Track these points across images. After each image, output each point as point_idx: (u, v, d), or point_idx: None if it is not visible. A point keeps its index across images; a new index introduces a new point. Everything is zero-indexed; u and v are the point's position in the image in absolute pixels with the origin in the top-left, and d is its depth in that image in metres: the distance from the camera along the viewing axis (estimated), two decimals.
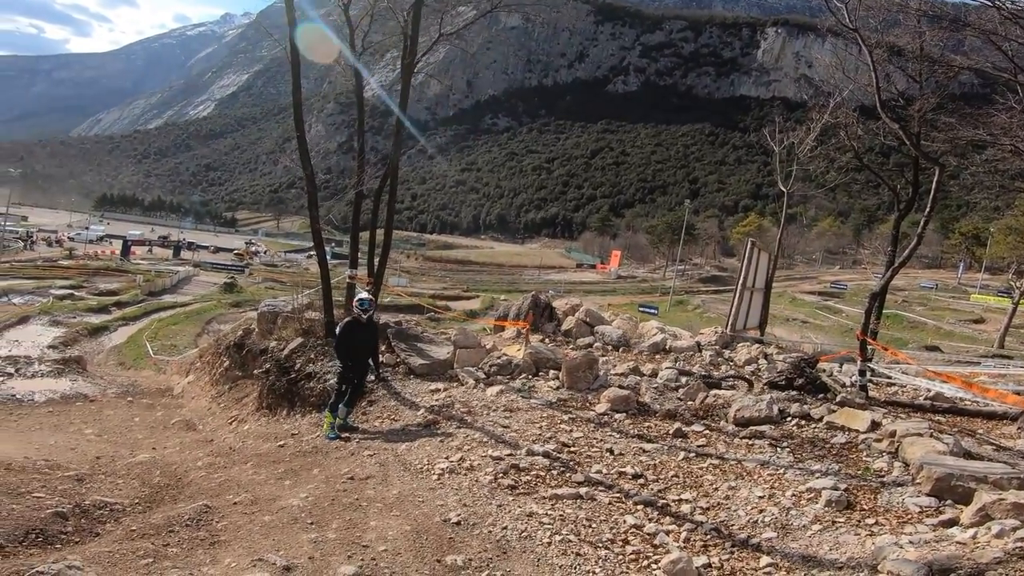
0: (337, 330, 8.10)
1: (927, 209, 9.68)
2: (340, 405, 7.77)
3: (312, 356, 10.03)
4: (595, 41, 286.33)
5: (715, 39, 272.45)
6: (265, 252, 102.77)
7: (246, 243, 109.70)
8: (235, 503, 5.75)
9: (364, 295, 8.05)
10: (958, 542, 4.31)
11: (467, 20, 14.96)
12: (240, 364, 12.20)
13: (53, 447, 8.77)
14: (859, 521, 5.02)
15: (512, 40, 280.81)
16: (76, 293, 48.35)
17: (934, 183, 9.40)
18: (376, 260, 11.53)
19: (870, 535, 4.73)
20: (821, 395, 8.35)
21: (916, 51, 10.40)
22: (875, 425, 7.05)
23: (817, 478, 5.79)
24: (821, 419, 7.47)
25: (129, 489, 6.58)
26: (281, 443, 7.77)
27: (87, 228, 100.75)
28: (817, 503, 5.31)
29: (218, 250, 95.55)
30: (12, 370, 14.06)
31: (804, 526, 5.00)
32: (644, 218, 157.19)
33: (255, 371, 10.98)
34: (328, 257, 11.90)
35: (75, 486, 6.51)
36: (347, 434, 7.49)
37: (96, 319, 40.51)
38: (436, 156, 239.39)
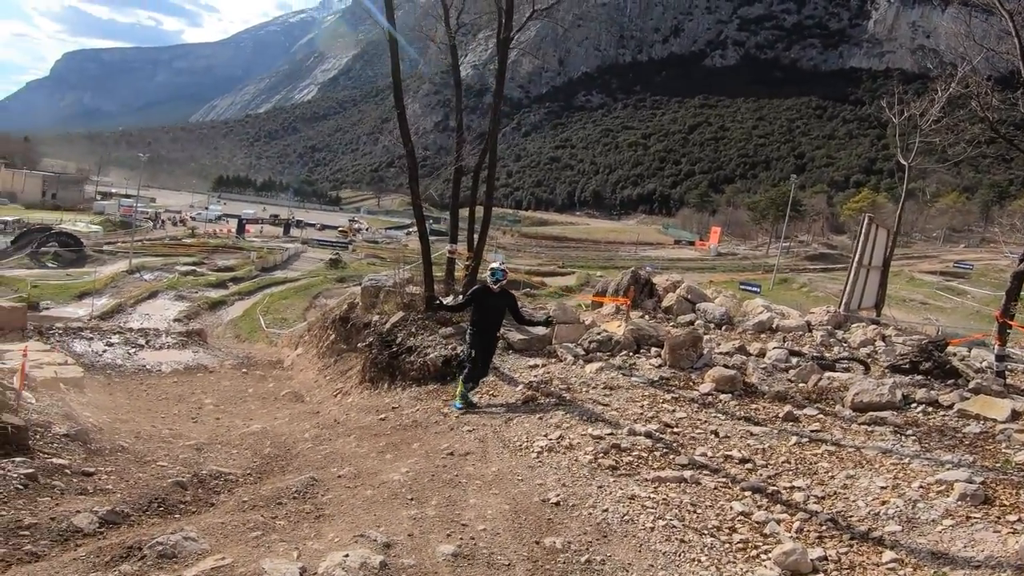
0: (466, 294, 8.12)
1: None
2: (481, 379, 7.83)
3: (413, 330, 10.19)
4: (690, 15, 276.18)
5: (820, 10, 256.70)
6: (367, 229, 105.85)
7: (349, 220, 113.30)
8: (339, 476, 5.85)
9: (496, 265, 7.95)
10: None
11: None
12: (345, 337, 12.64)
13: (177, 416, 9.40)
14: (999, 517, 4.54)
15: (604, 16, 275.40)
16: (198, 269, 51.45)
17: None
18: (475, 236, 11.60)
19: (1013, 532, 4.28)
20: (951, 381, 7.69)
21: None
22: (1016, 415, 6.42)
23: (948, 469, 5.30)
24: (951, 406, 6.87)
25: (242, 459, 6.88)
26: (383, 416, 7.92)
27: (206, 208, 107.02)
28: (949, 496, 4.85)
29: (324, 227, 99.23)
30: (143, 342, 15.01)
31: (933, 520, 4.58)
32: (745, 194, 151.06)
33: (358, 344, 11.34)
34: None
35: (194, 455, 6.87)
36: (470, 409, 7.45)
37: (215, 294, 43.14)
38: (531, 133, 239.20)
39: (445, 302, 8.90)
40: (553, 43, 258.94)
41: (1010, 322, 8.15)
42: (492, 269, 7.90)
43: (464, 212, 12.20)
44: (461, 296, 8.10)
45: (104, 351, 13.74)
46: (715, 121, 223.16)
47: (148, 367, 13.27)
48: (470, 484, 5.36)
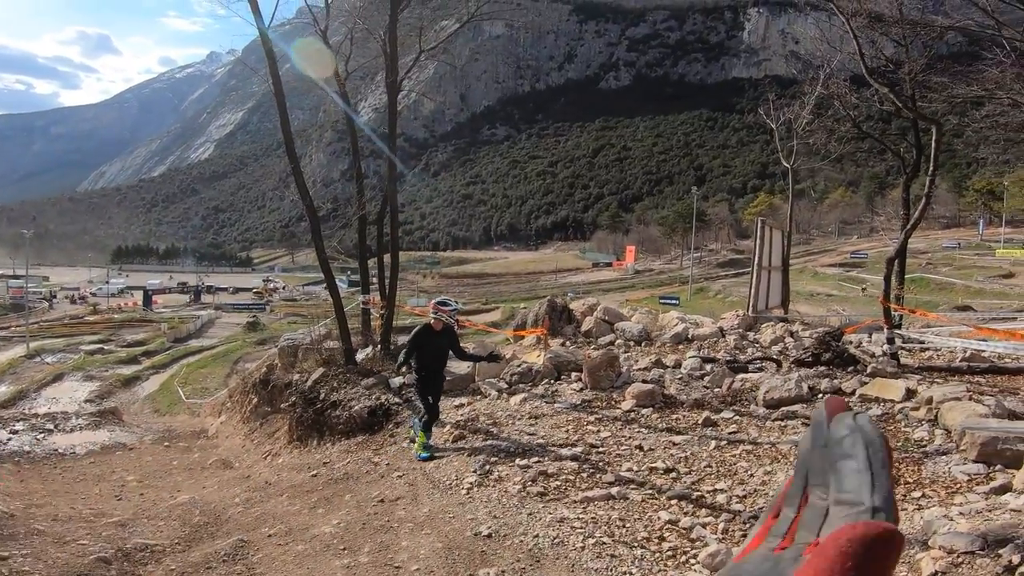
0: (411, 336, 7.63)
1: (930, 169, 9.50)
2: (434, 424, 7.42)
3: (335, 385, 10.09)
4: (581, 40, 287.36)
5: (700, 25, 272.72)
6: (284, 287, 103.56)
7: (264, 281, 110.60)
8: (270, 535, 5.78)
9: (446, 299, 7.64)
10: (1012, 509, 4.11)
11: (448, 34, 14.95)
12: (268, 400, 12.36)
13: (98, 496, 8.89)
14: (904, 495, 4.83)
15: (499, 49, 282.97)
16: (105, 347, 49.30)
17: (933, 142, 9.23)
18: (387, 283, 11.54)
19: (918, 509, 4.55)
20: (851, 368, 8.15)
21: (896, 15, 10.24)
22: (911, 393, 6.86)
23: None
24: (854, 392, 7.28)
25: (170, 530, 6.65)
26: (314, 472, 7.80)
27: (107, 282, 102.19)
28: None
29: (237, 290, 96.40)
30: (52, 426, 14.39)
31: None
32: (654, 210, 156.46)
33: (282, 405, 11.10)
34: (346, 286, 11.94)
35: (118, 531, 6.59)
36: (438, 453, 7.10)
37: (127, 370, 41.34)
38: (440, 172, 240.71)
39: (395, 368, 8.32)
40: (453, 80, 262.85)
41: (893, 305, 8.73)
42: (444, 300, 7.58)
43: (375, 261, 12.10)
44: (404, 351, 7.69)
45: (9, 439, 12.99)
46: (617, 142, 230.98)
47: (60, 451, 12.55)
48: (402, 527, 5.36)
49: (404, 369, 7.59)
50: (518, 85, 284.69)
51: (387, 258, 11.79)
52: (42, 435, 13.56)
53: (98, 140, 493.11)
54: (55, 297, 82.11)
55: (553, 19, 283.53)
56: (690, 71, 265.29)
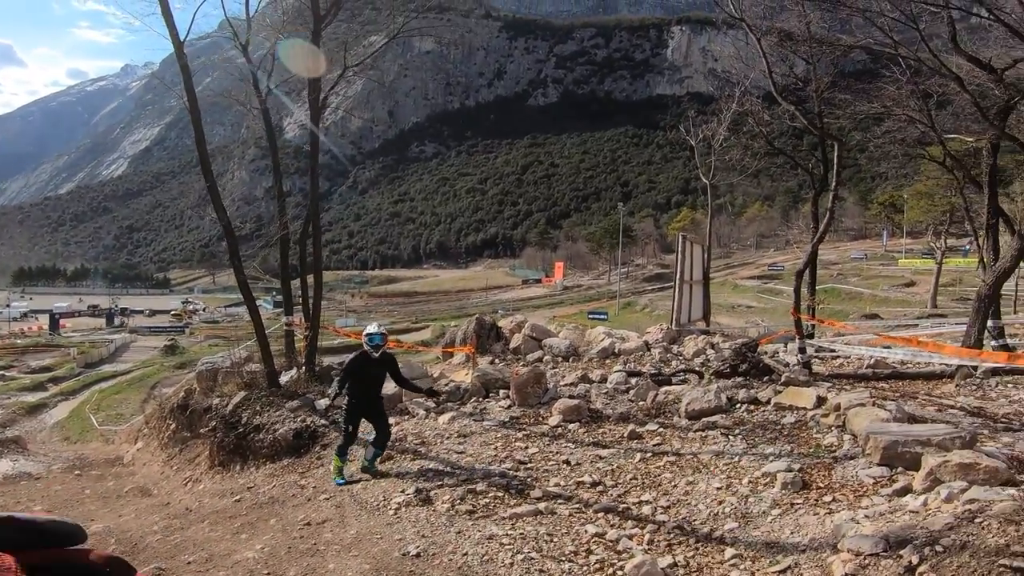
0: (346, 363, 7.36)
1: (832, 184, 10.04)
2: (350, 448, 7.18)
3: (258, 408, 9.83)
4: (510, 57, 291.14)
5: (625, 43, 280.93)
6: (204, 309, 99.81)
7: (183, 303, 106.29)
8: (190, 563, 5.57)
9: (373, 329, 7.30)
10: (911, 511, 4.33)
11: (375, 50, 14.85)
12: (187, 425, 11.98)
13: None
14: (817, 500, 5.03)
15: (428, 65, 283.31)
16: (7, 373, 46.82)
17: (836, 158, 9.77)
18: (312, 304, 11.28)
19: (828, 513, 4.74)
20: (766, 378, 8.47)
21: (804, 34, 10.83)
22: (821, 401, 7.17)
23: (771, 462, 5.82)
24: (769, 401, 7.56)
25: None
26: (237, 498, 7.58)
27: (7, 306, 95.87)
28: (774, 487, 5.31)
29: (154, 313, 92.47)
30: None
31: (764, 512, 4.98)
32: (582, 226, 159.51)
33: (202, 430, 10.74)
34: (270, 307, 11.63)
35: None
36: (368, 477, 6.87)
37: (32, 397, 39.57)
38: (368, 190, 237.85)
39: (329, 393, 7.98)
40: (381, 96, 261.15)
41: (802, 316, 9.15)
42: (370, 334, 7.23)
43: (300, 281, 11.82)
44: (338, 377, 7.35)
45: None
46: (545, 159, 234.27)
47: None
48: (328, 550, 5.24)
49: (336, 398, 7.35)
50: (447, 102, 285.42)
51: (312, 278, 11.53)
52: None
53: None
54: None
55: (483, 36, 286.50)
56: (616, 88, 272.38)
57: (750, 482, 5.52)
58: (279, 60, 12.32)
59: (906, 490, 4.76)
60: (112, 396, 39.54)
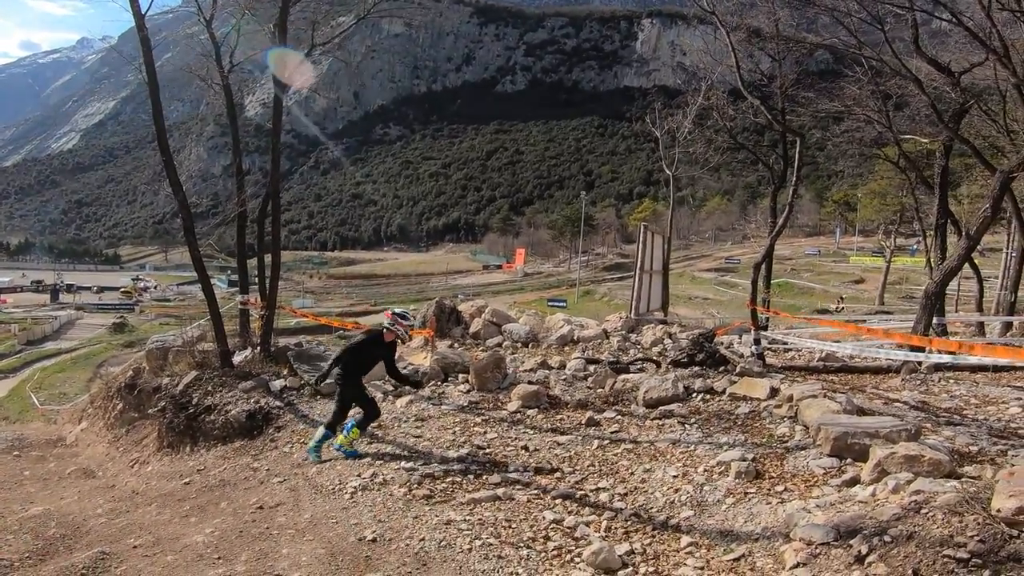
0: (362, 336, 7.15)
1: (792, 180, 10.22)
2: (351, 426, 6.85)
3: (209, 388, 9.56)
4: (480, 43, 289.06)
5: (596, 33, 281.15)
6: (155, 287, 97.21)
7: (133, 280, 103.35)
8: (135, 546, 5.41)
9: (401, 310, 7.23)
10: (860, 501, 4.43)
11: (343, 30, 14.51)
12: (135, 405, 11.69)
13: None
14: (769, 489, 5.11)
15: (397, 48, 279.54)
16: None
17: (797, 154, 9.95)
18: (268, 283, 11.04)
19: (781, 502, 4.82)
20: (722, 368, 8.60)
21: (772, 31, 10.97)
22: (774, 392, 7.31)
23: (726, 451, 5.90)
24: (724, 391, 7.67)
25: (20, 544, 6.07)
26: (187, 480, 7.40)
27: None
28: (728, 476, 5.38)
29: (102, 289, 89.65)
30: None
31: (719, 500, 5.05)
32: (544, 214, 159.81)
33: (151, 410, 10.45)
34: (225, 286, 11.35)
35: None
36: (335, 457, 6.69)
37: None
38: (331, 170, 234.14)
39: (324, 369, 7.36)
40: (347, 77, 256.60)
41: (759, 308, 9.31)
42: (403, 313, 7.21)
43: (255, 260, 11.54)
44: (336, 355, 7.04)
45: None
46: (510, 145, 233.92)
47: None
48: (282, 534, 5.15)
49: (328, 376, 7.09)
50: (414, 85, 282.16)
51: (269, 257, 11.28)
52: None
53: None
54: None
55: (453, 20, 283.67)
56: (584, 78, 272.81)
57: (705, 471, 5.59)
58: (243, 36, 11.97)
59: (855, 481, 4.87)
60: (55, 375, 38.55)
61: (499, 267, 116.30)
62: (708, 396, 7.68)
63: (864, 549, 3.57)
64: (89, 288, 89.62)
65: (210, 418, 8.89)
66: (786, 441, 6.06)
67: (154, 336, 15.51)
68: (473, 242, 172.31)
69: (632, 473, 5.81)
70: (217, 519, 5.75)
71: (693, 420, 6.95)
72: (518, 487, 5.65)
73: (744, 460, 5.52)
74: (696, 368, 8.55)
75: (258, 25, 11.80)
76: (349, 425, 6.89)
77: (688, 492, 5.25)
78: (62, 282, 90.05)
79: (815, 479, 5.15)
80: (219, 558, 4.83)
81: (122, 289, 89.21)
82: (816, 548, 3.82)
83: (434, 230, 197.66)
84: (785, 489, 5.08)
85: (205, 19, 11.30)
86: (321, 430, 6.91)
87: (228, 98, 11.53)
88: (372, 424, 7.10)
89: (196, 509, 6.27)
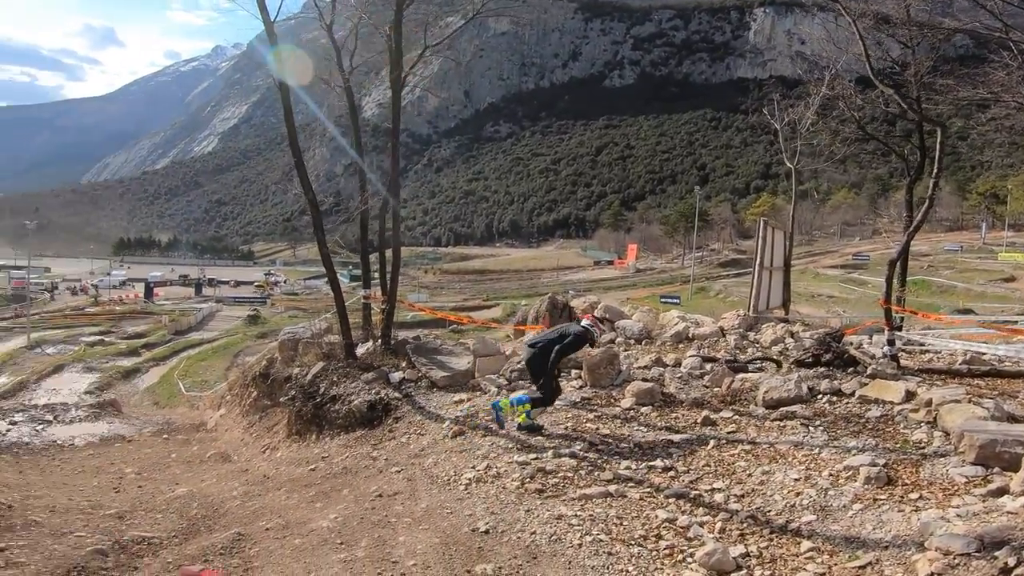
0: (573, 337, 7.36)
1: (934, 171, 9.48)
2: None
3: (335, 379, 10.02)
4: (586, 38, 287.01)
5: (705, 24, 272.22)
6: (285, 281, 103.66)
7: (265, 274, 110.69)
8: (267, 529, 5.78)
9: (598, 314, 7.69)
10: (1009, 512, 4.10)
11: (453, 30, 14.90)
12: (267, 393, 12.31)
13: (96, 488, 8.90)
14: (902, 497, 4.81)
15: (504, 46, 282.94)
16: (106, 339, 49.70)
17: (938, 144, 9.21)
18: (388, 278, 11.52)
19: (915, 511, 4.53)
20: (851, 369, 8.13)
21: (903, 17, 10.21)
22: (910, 395, 6.84)
23: (854, 455, 5.59)
24: (853, 394, 7.26)
25: (167, 523, 6.67)
26: (312, 467, 7.81)
27: (108, 274, 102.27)
28: (856, 481, 5.11)
29: (238, 284, 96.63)
30: (51, 417, 14.35)
31: (844, 506, 4.80)
32: (656, 209, 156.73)
33: (282, 399, 11.05)
34: (347, 280, 11.92)
35: (116, 523, 6.62)
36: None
37: (127, 362, 41.91)
38: (443, 168, 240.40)
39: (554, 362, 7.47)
40: (457, 76, 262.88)
41: (893, 307, 8.72)
42: (600, 318, 7.77)
43: (378, 256, 12.09)
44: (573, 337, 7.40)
45: (8, 430, 12.90)
46: (620, 140, 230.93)
47: (59, 442, 12.51)
48: (399, 522, 5.35)
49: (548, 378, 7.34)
50: (522, 82, 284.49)
51: (388, 253, 11.76)
52: (41, 426, 13.53)
53: (103, 133, 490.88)
54: (57, 288, 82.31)
55: (558, 17, 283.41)
56: (695, 70, 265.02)
57: (830, 475, 5.33)
58: (360, 40, 12.56)
59: (1002, 491, 4.50)
60: (198, 363, 41.44)
61: (610, 263, 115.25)
62: (835, 398, 7.29)
63: (1012, 561, 3.31)
64: (227, 282, 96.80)
65: (334, 407, 9.32)
66: (923, 447, 5.67)
67: (285, 328, 16.51)
68: (584, 238, 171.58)
69: (749, 474, 5.62)
70: (340, 505, 6.02)
71: (818, 422, 6.62)
72: (630, 484, 5.60)
73: (875, 465, 5.22)
74: (822, 369, 8.12)
75: (374, 28, 12.33)
76: (524, 397, 7.16)
77: (811, 496, 5.01)
78: (204, 276, 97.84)
79: (955, 488, 4.80)
80: (341, 543, 5.07)
81: (255, 283, 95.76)
82: (955, 559, 3.58)
83: (545, 226, 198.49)
84: (920, 497, 4.76)
85: (326, 24, 11.93)
86: (522, 396, 7.24)
87: (350, 99, 12.14)
88: (540, 409, 7.34)
89: (321, 495, 6.58)
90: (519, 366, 9.38)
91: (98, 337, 49.48)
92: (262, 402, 12.35)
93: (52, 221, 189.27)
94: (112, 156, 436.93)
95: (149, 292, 75.77)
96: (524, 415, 7.08)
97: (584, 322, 7.51)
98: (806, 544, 4.40)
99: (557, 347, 7.22)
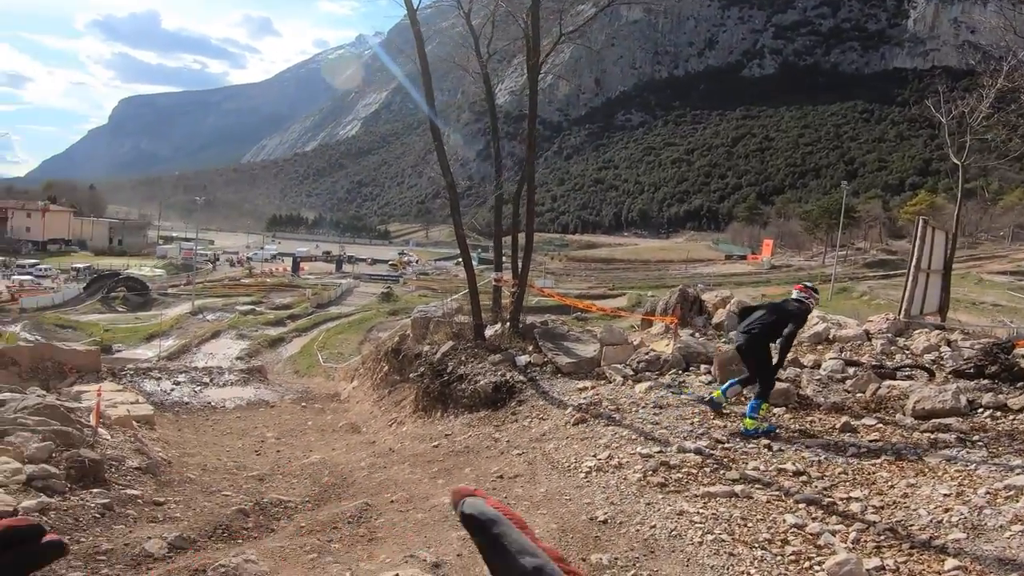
0: (799, 313, 6.96)
1: None
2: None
3: (463, 359, 10.33)
4: (723, 27, 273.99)
5: (856, 12, 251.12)
6: (417, 261, 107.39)
7: (399, 254, 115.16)
8: (392, 501, 6.05)
9: (809, 283, 7.28)
10: None
11: (587, 17, 14.81)
12: (398, 369, 12.85)
13: (241, 449, 9.76)
14: None
15: (636, 34, 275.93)
16: (257, 308, 53.13)
17: None
18: (520, 263, 11.73)
19: None
20: (1021, 384, 7.39)
21: None
22: None
23: (1018, 474, 5.10)
24: (1021, 410, 6.61)
25: (301, 488, 7.16)
26: (435, 443, 8.10)
27: (262, 248, 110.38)
28: (1018, 502, 4.66)
29: (375, 262, 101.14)
30: (208, 380, 15.59)
31: (1001, 527, 4.41)
32: (796, 204, 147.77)
33: (411, 375, 11.53)
34: (476, 263, 12.26)
35: (257, 485, 7.21)
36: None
37: (274, 331, 44.61)
38: (574, 155, 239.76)
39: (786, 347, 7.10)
40: (588, 64, 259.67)
41: None
42: (812, 286, 7.28)
43: (510, 239, 12.35)
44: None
45: (172, 390, 14.26)
46: (759, 132, 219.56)
47: (213, 404, 13.73)
48: (518, 505, 5.46)
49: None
50: (655, 71, 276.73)
51: (520, 237, 11.97)
52: (199, 388, 14.79)
53: (261, 116, 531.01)
54: (218, 260, 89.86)
55: (693, 5, 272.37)
56: (844, 60, 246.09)
57: (987, 493, 4.90)
58: (496, 27, 12.79)
59: None
60: (336, 336, 43.35)
61: (743, 258, 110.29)
62: (999, 413, 6.66)
63: None
64: (364, 260, 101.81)
65: (461, 387, 9.62)
66: None
67: (418, 306, 17.13)
68: (715, 231, 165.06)
69: (892, 486, 5.28)
70: (461, 484, 6.28)
71: (976, 437, 6.09)
72: (757, 486, 5.43)
73: None
74: (985, 381, 7.44)
75: (510, 15, 12.50)
76: (754, 404, 6.71)
77: (961, 513, 4.65)
78: (345, 253, 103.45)
79: None
80: None
81: (390, 262, 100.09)
82: None
83: (675, 217, 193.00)
84: None
85: (464, 11, 12.23)
86: (751, 403, 6.81)
87: (487, 85, 12.41)
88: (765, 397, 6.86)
89: (443, 472, 6.84)
90: (646, 357, 9.29)
91: (250, 307, 53.32)
92: (392, 377, 12.92)
93: (216, 198, 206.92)
94: (268, 138, 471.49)
95: (296, 266, 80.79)
96: (749, 418, 6.59)
97: (797, 293, 7.15)
98: (951, 562, 4.11)
99: (791, 326, 6.71)
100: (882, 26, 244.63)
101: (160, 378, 15.01)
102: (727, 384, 7.08)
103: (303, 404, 14.65)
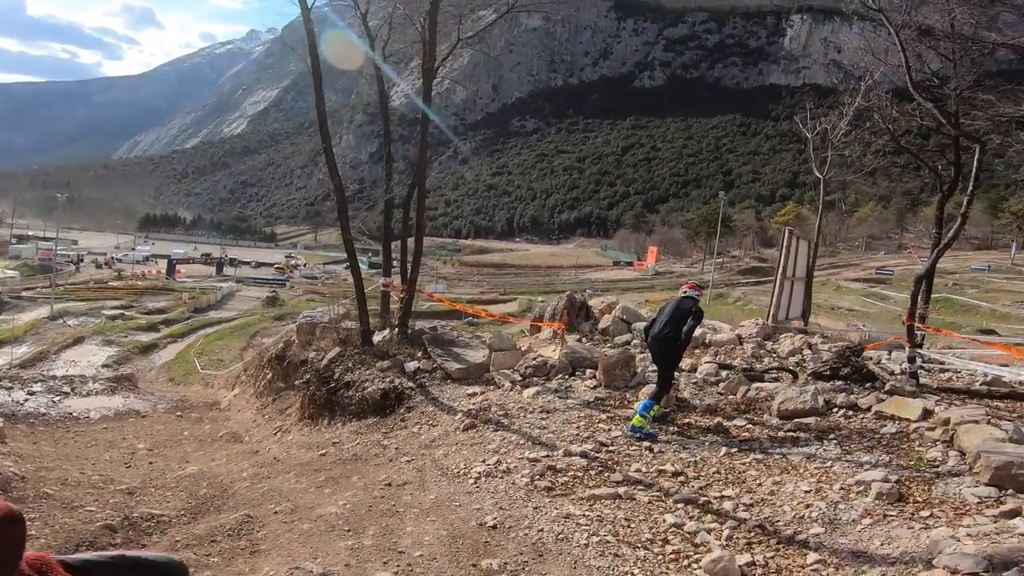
0: (696, 311, 7.24)
1: (970, 188, 9.33)
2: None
3: (350, 365, 10.07)
4: (618, 38, 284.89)
5: (740, 29, 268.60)
6: (305, 265, 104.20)
7: (286, 257, 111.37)
8: (276, 512, 5.84)
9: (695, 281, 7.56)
10: (1020, 534, 4.08)
11: (487, 23, 14.92)
12: (282, 375, 12.37)
13: (108, 462, 9.01)
14: (912, 514, 4.80)
15: (535, 41, 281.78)
16: (126, 313, 49.56)
17: (976, 162, 9.06)
18: (409, 268, 11.58)
19: (924, 528, 4.52)
20: (869, 384, 8.05)
21: (947, 30, 10.01)
22: (927, 413, 6.78)
23: (867, 470, 5.58)
24: (869, 409, 7.21)
25: (176, 501, 6.73)
26: (323, 452, 7.86)
27: (133, 249, 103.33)
28: (867, 496, 5.10)
29: (259, 265, 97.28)
30: (68, 389, 14.38)
31: (854, 520, 4.81)
32: (679, 212, 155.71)
33: (296, 382, 11.11)
34: (366, 267, 11.99)
35: (126, 499, 6.68)
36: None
37: (146, 337, 41.63)
38: (469, 159, 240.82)
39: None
40: (486, 70, 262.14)
41: (917, 324, 8.62)
42: (700, 284, 7.59)
43: (398, 244, 12.17)
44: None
45: (26, 400, 13.00)
46: (646, 142, 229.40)
47: (75, 414, 12.61)
48: (408, 513, 5.41)
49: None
50: (551, 79, 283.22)
51: (410, 242, 11.83)
52: (58, 398, 13.57)
53: (137, 110, 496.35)
54: (82, 261, 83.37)
55: (591, 15, 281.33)
56: (726, 75, 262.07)
57: (841, 488, 5.32)
58: (393, 29, 12.62)
59: (1015, 513, 4.49)
60: (215, 342, 41.19)
61: (629, 264, 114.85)
62: (851, 412, 7.24)
63: None
64: (248, 263, 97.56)
65: (348, 393, 9.34)
66: (937, 466, 5.63)
67: (304, 312, 16.54)
68: (604, 237, 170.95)
69: (760, 484, 5.62)
70: (349, 492, 6.06)
71: (832, 436, 6.59)
72: (640, 487, 5.63)
73: (887, 481, 5.20)
74: (839, 382, 8.06)
75: (408, 18, 12.37)
76: (647, 403, 7.01)
77: (820, 509, 5.02)
78: (226, 256, 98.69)
79: (967, 508, 4.79)
80: (349, 530, 5.12)
81: (276, 265, 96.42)
82: None
83: (565, 223, 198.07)
84: (931, 515, 4.75)
85: (361, 12, 11.98)
86: (644, 402, 7.09)
87: (380, 87, 12.20)
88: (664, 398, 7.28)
89: (330, 481, 6.62)
90: (534, 362, 9.40)
91: (119, 311, 49.70)
92: (276, 384, 12.41)
93: (82, 195, 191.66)
94: (144, 133, 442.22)
95: (171, 269, 76.36)
96: (639, 415, 6.93)
97: (688, 291, 7.51)
98: (812, 556, 4.40)
99: (691, 321, 7.10)
100: (762, 43, 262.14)
101: (11, 387, 13.68)
102: (640, 407, 7.12)
103: (179, 413, 13.76)
